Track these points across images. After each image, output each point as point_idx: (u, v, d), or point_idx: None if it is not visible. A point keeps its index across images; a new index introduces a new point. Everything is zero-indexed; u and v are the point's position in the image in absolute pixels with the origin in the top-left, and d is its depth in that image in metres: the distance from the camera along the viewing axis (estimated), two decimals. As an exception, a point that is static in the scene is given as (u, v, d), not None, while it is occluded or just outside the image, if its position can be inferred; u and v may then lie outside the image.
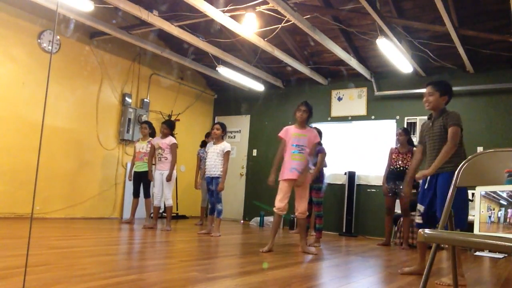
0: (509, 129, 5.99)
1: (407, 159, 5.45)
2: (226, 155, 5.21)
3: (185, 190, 7.78)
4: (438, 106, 3.21)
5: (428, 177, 3.14)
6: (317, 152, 4.99)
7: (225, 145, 5.25)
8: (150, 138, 6.02)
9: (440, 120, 3.17)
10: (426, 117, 6.77)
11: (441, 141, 3.12)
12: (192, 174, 7.16)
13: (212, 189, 5.24)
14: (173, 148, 5.58)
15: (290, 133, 4.20)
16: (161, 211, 6.34)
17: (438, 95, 3.20)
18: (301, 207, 4.11)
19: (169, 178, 5.48)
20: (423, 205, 3.15)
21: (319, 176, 4.97)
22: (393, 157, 5.60)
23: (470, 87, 6.26)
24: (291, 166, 4.09)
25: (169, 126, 5.72)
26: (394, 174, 5.50)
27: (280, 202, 4.08)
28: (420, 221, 3.17)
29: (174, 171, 5.63)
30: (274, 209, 4.11)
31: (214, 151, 5.25)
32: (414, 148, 5.54)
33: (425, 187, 3.16)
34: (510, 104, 6.05)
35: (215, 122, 5.65)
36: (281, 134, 4.25)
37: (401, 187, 5.41)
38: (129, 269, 2.86)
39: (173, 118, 7.68)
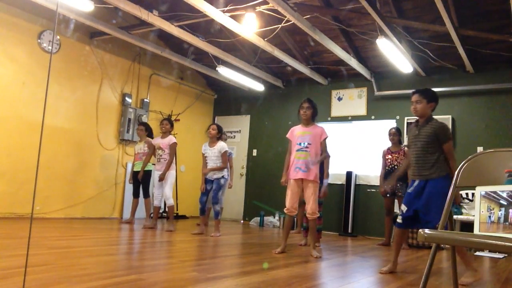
0: (509, 129, 5.99)
1: (400, 158, 5.46)
2: (224, 156, 5.20)
3: (185, 190, 7.78)
4: (425, 113, 3.28)
5: (416, 182, 3.21)
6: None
7: (221, 145, 5.24)
8: (148, 138, 6.04)
9: (427, 128, 3.22)
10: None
11: (425, 149, 3.19)
12: (192, 174, 7.16)
13: (208, 189, 5.24)
14: (172, 147, 5.58)
15: (295, 133, 4.20)
16: (161, 211, 6.34)
17: (425, 102, 3.27)
18: (309, 207, 4.03)
19: (161, 177, 5.46)
20: (408, 208, 3.21)
21: (319, 176, 4.93)
22: (387, 158, 5.60)
23: (470, 87, 6.26)
24: (295, 165, 4.08)
25: (170, 122, 5.74)
26: (391, 175, 5.49)
27: (288, 202, 4.08)
28: (400, 221, 3.25)
29: (174, 171, 5.62)
30: (284, 210, 4.12)
31: (213, 154, 5.24)
32: (406, 148, 5.55)
33: (411, 191, 3.22)
34: (510, 104, 6.05)
35: (212, 123, 5.62)
36: (288, 135, 4.27)
37: (399, 187, 5.42)
38: (129, 269, 2.86)
39: (173, 118, 7.69)
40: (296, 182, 4.08)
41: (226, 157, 5.26)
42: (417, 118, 3.34)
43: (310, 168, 4.03)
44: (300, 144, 4.09)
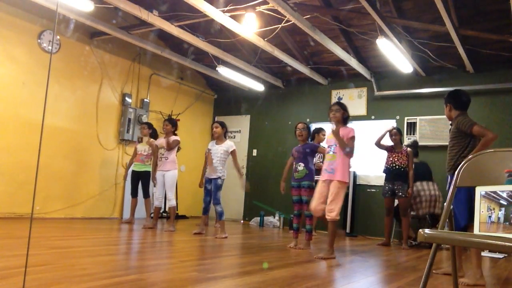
0: (509, 129, 5.98)
1: (402, 158, 5.46)
2: (233, 154, 5.12)
3: (185, 190, 7.78)
4: (450, 116, 3.48)
5: (449, 178, 3.31)
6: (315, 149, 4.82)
7: (228, 145, 5.14)
8: (152, 139, 6.00)
9: (453, 127, 3.40)
10: (425, 117, 6.85)
11: (452, 145, 3.34)
12: (193, 174, 7.16)
13: (209, 188, 5.15)
14: (175, 142, 5.51)
15: (328, 137, 4.29)
16: (161, 211, 6.34)
17: (444, 107, 3.48)
18: (328, 208, 4.00)
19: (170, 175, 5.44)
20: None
21: (310, 174, 4.67)
22: (388, 156, 5.60)
23: (470, 87, 6.25)
24: (324, 167, 4.15)
25: (171, 123, 5.68)
26: (392, 174, 5.49)
27: (311, 203, 4.14)
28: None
29: (176, 171, 5.59)
30: (309, 208, 4.20)
31: (218, 152, 5.13)
32: (408, 149, 5.55)
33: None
34: (510, 104, 6.05)
35: (214, 121, 5.56)
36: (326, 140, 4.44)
37: (399, 187, 5.41)
38: (129, 269, 2.86)
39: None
40: (323, 183, 4.12)
41: (235, 156, 5.15)
42: None
43: (336, 169, 4.02)
44: (329, 146, 4.17)
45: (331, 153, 4.10)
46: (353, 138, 4.07)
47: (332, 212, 3.92)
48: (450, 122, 3.49)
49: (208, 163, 5.20)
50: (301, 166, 4.63)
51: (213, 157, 5.13)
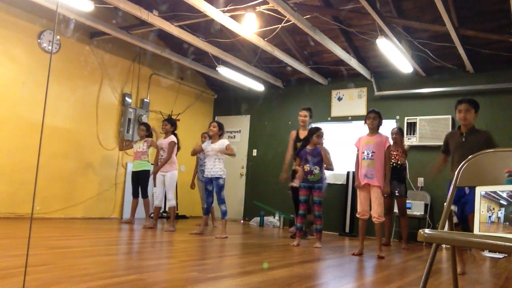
0: (509, 129, 5.98)
1: (399, 157, 5.47)
2: (229, 146, 5.11)
3: (185, 190, 7.77)
4: (472, 122, 3.45)
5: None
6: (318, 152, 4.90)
7: (221, 142, 5.14)
8: (152, 139, 6.05)
9: (476, 137, 3.38)
10: (425, 117, 6.79)
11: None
12: (192, 174, 7.15)
13: (210, 189, 5.17)
14: (170, 145, 5.55)
15: (361, 141, 4.46)
16: (161, 211, 6.34)
17: (473, 111, 3.42)
18: (374, 210, 4.28)
19: (155, 171, 5.59)
20: (457, 206, 3.30)
21: (323, 177, 4.87)
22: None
23: (470, 87, 6.26)
24: (361, 172, 4.35)
25: (170, 122, 5.71)
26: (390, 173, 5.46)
27: (359, 207, 4.42)
28: (456, 221, 3.33)
29: (176, 172, 5.61)
30: (356, 214, 4.47)
31: (213, 150, 5.15)
32: (405, 146, 5.59)
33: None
34: (510, 104, 6.05)
35: (212, 121, 5.59)
36: (355, 143, 4.54)
37: (396, 186, 5.40)
38: (129, 269, 2.86)
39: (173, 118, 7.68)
40: (364, 187, 4.36)
41: (230, 148, 5.14)
42: (459, 125, 3.49)
43: (375, 174, 4.27)
44: (364, 152, 4.36)
45: (367, 159, 4.32)
46: (390, 147, 4.41)
47: (381, 216, 4.32)
48: (465, 131, 3.43)
49: (194, 151, 5.59)
50: (317, 170, 4.79)
51: (209, 156, 5.20)
